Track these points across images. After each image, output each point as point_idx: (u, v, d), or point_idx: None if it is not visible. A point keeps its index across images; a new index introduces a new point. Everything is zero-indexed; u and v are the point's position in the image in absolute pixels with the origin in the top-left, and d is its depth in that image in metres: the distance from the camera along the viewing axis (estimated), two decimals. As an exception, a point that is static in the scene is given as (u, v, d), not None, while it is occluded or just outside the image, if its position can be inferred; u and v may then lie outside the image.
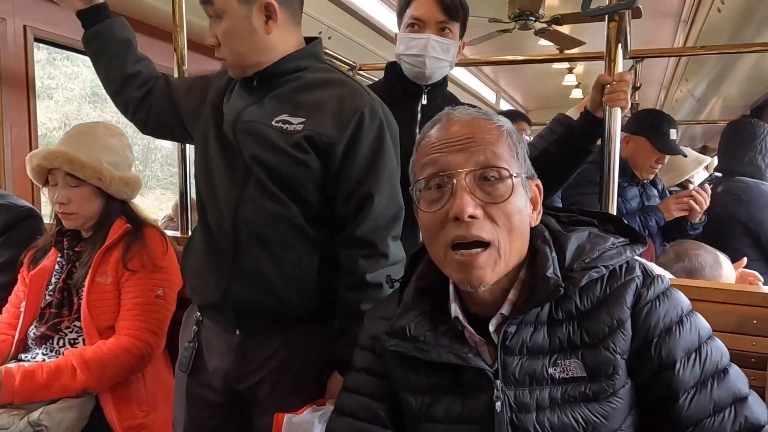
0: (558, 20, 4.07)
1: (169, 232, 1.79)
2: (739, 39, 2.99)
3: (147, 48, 1.41)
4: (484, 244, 0.78)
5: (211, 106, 1.24)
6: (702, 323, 0.82)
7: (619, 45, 1.39)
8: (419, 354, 0.84)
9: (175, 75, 1.93)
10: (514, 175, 0.79)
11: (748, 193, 2.13)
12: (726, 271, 1.60)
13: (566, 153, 1.46)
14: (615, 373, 0.78)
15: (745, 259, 1.76)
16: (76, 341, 1.51)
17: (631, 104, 2.98)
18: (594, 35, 4.88)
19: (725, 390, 0.77)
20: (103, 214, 1.56)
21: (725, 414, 0.76)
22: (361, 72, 3.22)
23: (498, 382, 0.79)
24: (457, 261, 0.79)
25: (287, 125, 1.13)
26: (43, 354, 1.51)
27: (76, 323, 1.51)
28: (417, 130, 1.48)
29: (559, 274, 0.80)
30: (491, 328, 0.83)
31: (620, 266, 0.82)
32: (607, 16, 1.40)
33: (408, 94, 1.52)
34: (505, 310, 0.82)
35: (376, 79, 3.57)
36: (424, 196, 0.83)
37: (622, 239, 0.85)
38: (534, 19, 4.05)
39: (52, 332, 1.50)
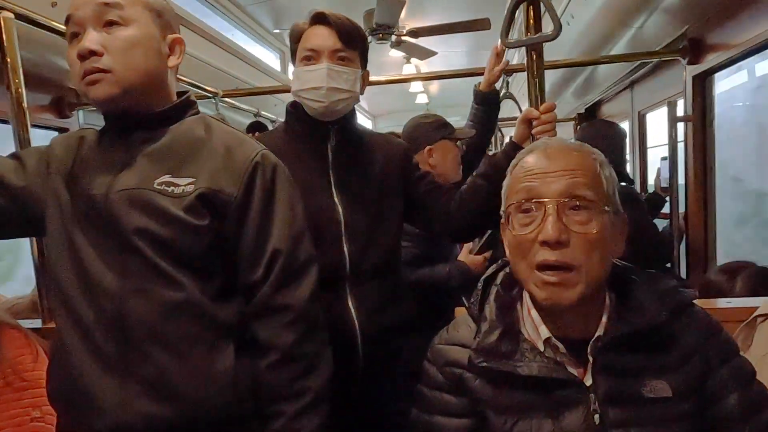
0: (414, 33, 4.23)
1: (26, 323, 1.43)
2: (580, 49, 3.24)
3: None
4: (569, 268, 0.81)
5: (63, 180, 1.00)
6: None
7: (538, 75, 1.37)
8: (512, 369, 0.86)
9: (13, 119, 1.56)
10: (605, 208, 0.83)
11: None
12: None
13: (493, 186, 1.41)
14: (696, 394, 0.85)
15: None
16: None
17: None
18: (443, 45, 5.15)
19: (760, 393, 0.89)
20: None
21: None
22: (225, 99, 2.97)
23: (593, 395, 0.84)
24: (542, 281, 0.83)
25: (173, 187, 0.95)
26: None
27: None
28: (330, 173, 1.33)
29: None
30: (590, 348, 0.87)
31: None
32: (525, 47, 1.38)
33: (314, 136, 1.35)
34: (600, 331, 0.87)
35: (242, 106, 3.36)
36: (515, 218, 0.87)
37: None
38: (391, 32, 4.14)
39: None
